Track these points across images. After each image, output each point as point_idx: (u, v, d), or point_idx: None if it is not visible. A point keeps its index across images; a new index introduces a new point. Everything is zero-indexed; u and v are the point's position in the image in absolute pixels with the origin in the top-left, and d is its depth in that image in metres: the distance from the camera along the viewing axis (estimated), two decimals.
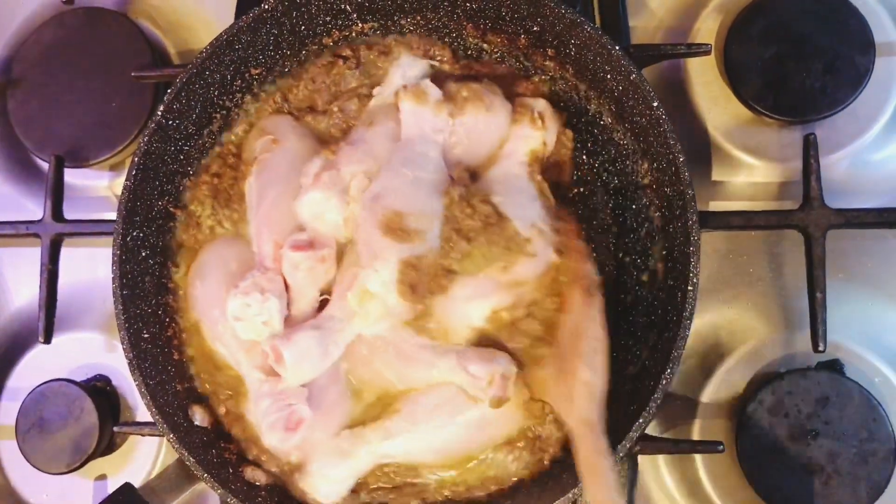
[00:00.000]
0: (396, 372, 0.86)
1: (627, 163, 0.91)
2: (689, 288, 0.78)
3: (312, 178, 0.88)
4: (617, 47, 0.83)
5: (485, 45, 0.95)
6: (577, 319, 0.82)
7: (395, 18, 0.94)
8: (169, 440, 0.86)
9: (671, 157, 0.81)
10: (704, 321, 0.98)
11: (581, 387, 0.78)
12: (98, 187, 1.13)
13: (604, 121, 0.92)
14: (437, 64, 0.95)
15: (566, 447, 0.85)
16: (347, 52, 0.96)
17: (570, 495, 0.80)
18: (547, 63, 0.93)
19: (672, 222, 0.84)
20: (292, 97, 0.98)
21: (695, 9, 1.03)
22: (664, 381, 0.78)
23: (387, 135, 0.89)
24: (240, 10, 1.06)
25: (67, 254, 1.07)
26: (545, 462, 0.87)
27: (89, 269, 1.11)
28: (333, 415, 0.87)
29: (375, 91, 0.93)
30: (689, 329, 0.78)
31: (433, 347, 0.84)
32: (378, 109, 0.91)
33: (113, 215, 1.06)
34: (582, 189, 0.94)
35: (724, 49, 0.97)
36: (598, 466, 0.74)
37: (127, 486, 0.97)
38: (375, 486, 0.88)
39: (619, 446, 0.78)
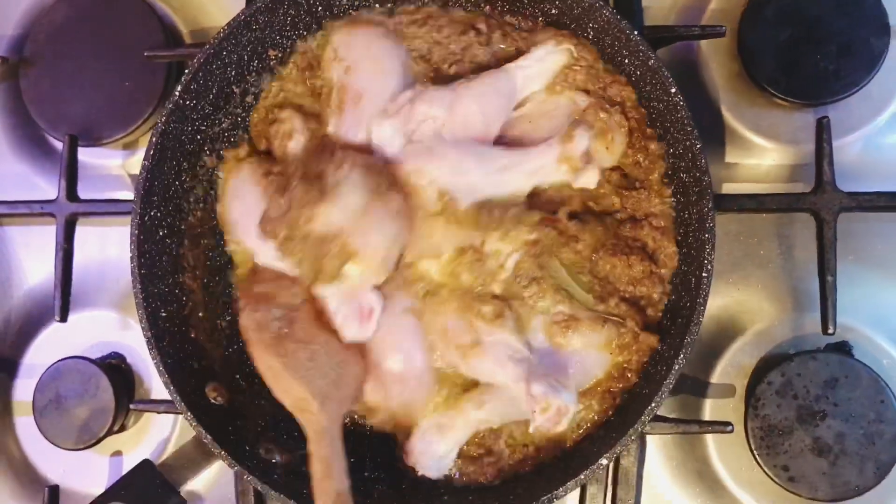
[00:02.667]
0: (467, 364, 0.87)
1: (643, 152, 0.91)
2: (704, 275, 0.79)
3: (395, 108, 0.89)
4: (636, 32, 0.83)
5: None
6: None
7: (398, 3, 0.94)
8: (186, 418, 0.87)
9: (688, 143, 0.82)
10: (715, 302, 0.98)
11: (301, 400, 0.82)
12: (111, 166, 1.13)
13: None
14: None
15: (632, 392, 0.87)
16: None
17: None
18: None
19: (688, 208, 0.85)
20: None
21: None
22: (677, 367, 0.79)
23: (485, 104, 0.89)
24: None
25: (81, 233, 1.08)
26: (610, 413, 0.88)
27: (102, 247, 1.12)
28: (424, 380, 0.89)
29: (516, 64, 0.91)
30: (702, 315, 0.79)
31: (510, 346, 0.86)
32: (493, 79, 0.90)
33: (127, 194, 1.08)
34: None
35: (738, 31, 0.97)
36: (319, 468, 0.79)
37: (146, 463, 0.99)
38: (458, 459, 0.91)
39: (630, 430, 0.79)
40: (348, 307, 0.86)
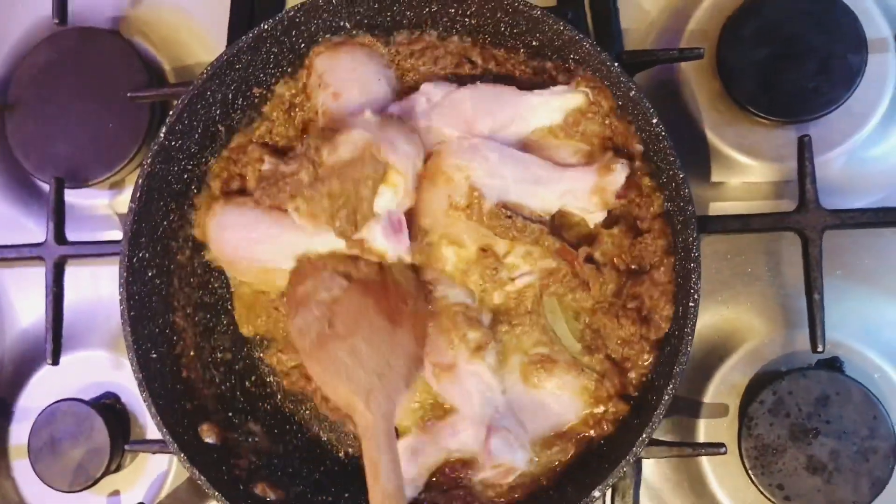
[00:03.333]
0: (440, 384, 0.88)
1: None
2: (691, 304, 0.79)
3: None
4: (616, 64, 0.83)
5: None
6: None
7: (394, 35, 0.95)
8: (179, 459, 0.87)
9: (672, 172, 0.82)
10: (704, 322, 0.99)
11: (347, 398, 0.81)
12: (99, 206, 1.14)
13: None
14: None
15: (622, 422, 0.88)
16: None
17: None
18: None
19: (672, 236, 0.85)
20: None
21: (687, 10, 1.03)
22: (667, 397, 0.79)
23: (479, 106, 0.89)
24: (232, 26, 1.06)
25: (71, 272, 1.08)
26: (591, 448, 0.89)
27: (94, 287, 1.12)
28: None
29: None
30: (690, 344, 0.79)
31: (485, 381, 0.87)
32: (499, 91, 0.90)
33: (115, 234, 1.08)
34: None
35: (716, 51, 0.98)
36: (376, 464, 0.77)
37: None
38: (428, 489, 0.91)
39: (623, 460, 0.80)
40: (382, 223, 0.85)
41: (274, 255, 0.90)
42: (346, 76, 0.92)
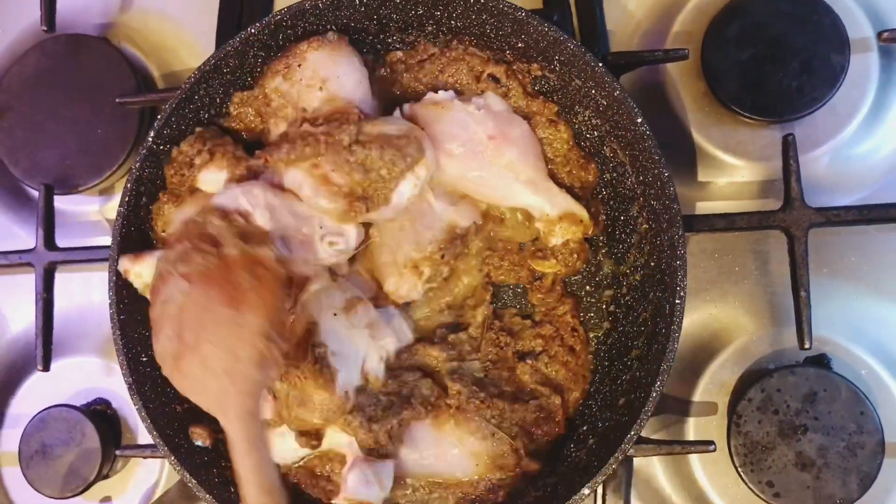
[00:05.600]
0: None
1: (615, 175, 0.92)
2: (677, 301, 0.80)
3: None
4: (600, 64, 0.84)
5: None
6: None
7: (381, 37, 0.95)
8: (170, 462, 0.87)
9: (656, 171, 0.83)
10: (692, 320, 0.99)
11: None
12: (89, 212, 1.14)
13: (590, 134, 0.93)
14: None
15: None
16: None
17: None
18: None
19: (659, 235, 0.86)
20: None
21: (672, 11, 1.04)
22: (654, 394, 0.80)
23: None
24: (220, 32, 1.07)
25: (62, 279, 1.08)
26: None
27: (85, 293, 1.12)
28: None
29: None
30: (677, 341, 0.80)
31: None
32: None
33: (105, 240, 1.08)
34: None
35: (701, 52, 0.98)
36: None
37: None
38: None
39: (612, 457, 0.80)
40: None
41: None
42: (342, 71, 0.91)
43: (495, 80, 0.95)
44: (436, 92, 0.94)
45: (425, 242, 0.93)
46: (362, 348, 0.89)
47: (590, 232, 0.93)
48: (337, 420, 0.88)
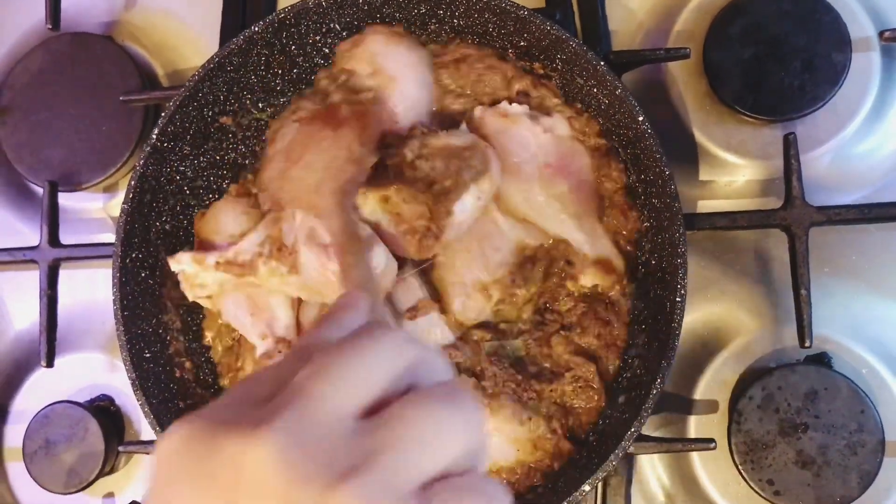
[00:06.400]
0: None
1: (617, 173, 0.92)
2: (678, 299, 0.80)
3: None
4: (602, 63, 0.84)
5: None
6: None
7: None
8: None
9: (658, 169, 0.83)
10: (693, 319, 0.99)
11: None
12: (93, 209, 1.14)
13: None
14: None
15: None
16: None
17: None
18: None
19: (660, 233, 0.86)
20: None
21: (674, 10, 1.05)
22: (655, 392, 0.80)
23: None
24: (224, 30, 1.08)
25: (66, 275, 1.09)
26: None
27: (89, 289, 1.13)
28: None
29: None
30: (678, 339, 0.80)
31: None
32: None
33: (109, 237, 1.09)
34: None
35: (703, 51, 0.99)
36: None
37: None
38: None
39: (611, 455, 0.80)
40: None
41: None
42: (403, 64, 0.91)
43: (525, 94, 0.93)
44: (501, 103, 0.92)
45: (494, 265, 0.90)
46: None
47: (623, 283, 0.91)
48: None
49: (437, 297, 0.91)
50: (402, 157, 0.85)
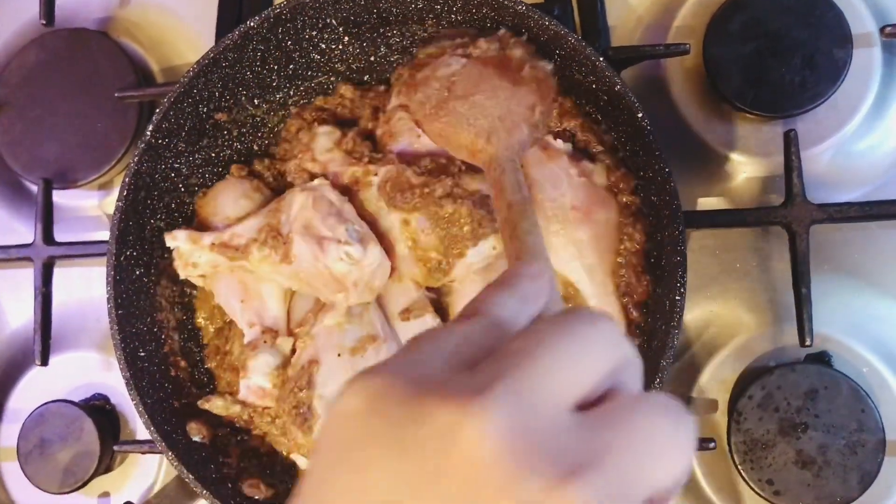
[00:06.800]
0: None
1: (617, 171, 0.91)
2: (678, 298, 0.79)
3: None
4: (601, 59, 0.83)
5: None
6: None
7: (381, 31, 0.95)
8: (168, 458, 0.87)
9: (657, 167, 0.82)
10: (693, 317, 0.99)
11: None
12: (88, 207, 1.14)
13: (592, 128, 0.92)
14: None
15: None
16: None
17: None
18: None
19: (660, 231, 0.85)
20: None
21: (674, 5, 1.04)
22: (654, 391, 0.79)
23: None
24: (220, 26, 1.07)
25: (61, 273, 1.08)
26: None
27: (84, 288, 1.12)
28: None
29: None
30: (677, 338, 0.79)
31: None
32: None
33: (104, 235, 1.08)
34: None
35: (703, 47, 0.98)
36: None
37: None
38: None
39: None
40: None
41: None
42: None
43: (572, 134, 0.92)
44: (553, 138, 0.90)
45: None
46: None
47: None
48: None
49: (444, 318, 0.90)
50: (433, 190, 0.83)
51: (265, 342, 0.89)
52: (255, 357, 0.88)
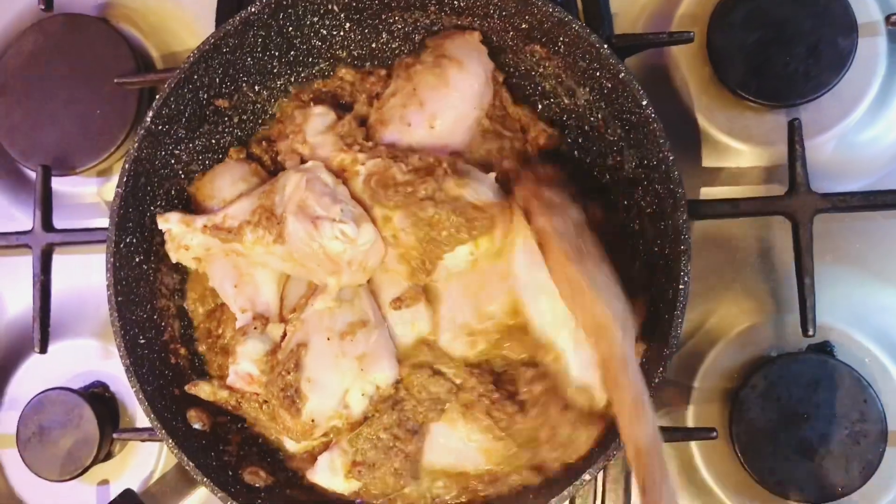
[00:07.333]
0: None
1: (619, 158, 0.91)
2: (681, 286, 0.79)
3: None
4: (605, 46, 0.83)
5: None
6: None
7: (383, 17, 0.94)
8: (168, 445, 0.87)
9: (661, 155, 0.82)
10: (695, 308, 0.98)
11: (605, 322, 0.75)
12: (87, 194, 1.13)
13: (594, 116, 0.92)
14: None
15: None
16: None
17: None
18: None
19: (663, 219, 0.85)
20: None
21: None
22: (656, 379, 0.79)
23: None
24: (220, 12, 1.06)
25: (61, 261, 1.07)
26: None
27: (83, 275, 1.12)
28: None
29: None
30: (680, 328, 0.79)
31: None
32: None
33: (103, 222, 1.07)
34: (574, 186, 0.95)
35: (707, 35, 0.97)
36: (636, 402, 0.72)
37: (128, 492, 0.98)
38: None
39: (612, 444, 0.79)
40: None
41: None
42: (446, 104, 0.89)
43: None
44: None
45: (485, 316, 0.87)
46: (346, 381, 0.85)
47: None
48: (303, 439, 0.86)
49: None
50: (416, 191, 0.83)
51: (255, 328, 0.88)
52: (244, 343, 0.87)
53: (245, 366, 0.87)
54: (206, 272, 0.94)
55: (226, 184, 0.93)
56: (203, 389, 0.90)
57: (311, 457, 0.91)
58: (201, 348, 0.97)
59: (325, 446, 0.89)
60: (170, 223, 0.89)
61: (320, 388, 0.84)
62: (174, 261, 0.92)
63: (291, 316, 0.89)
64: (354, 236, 0.82)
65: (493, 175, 0.87)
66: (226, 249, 0.89)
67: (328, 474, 0.86)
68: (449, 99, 0.89)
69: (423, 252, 0.84)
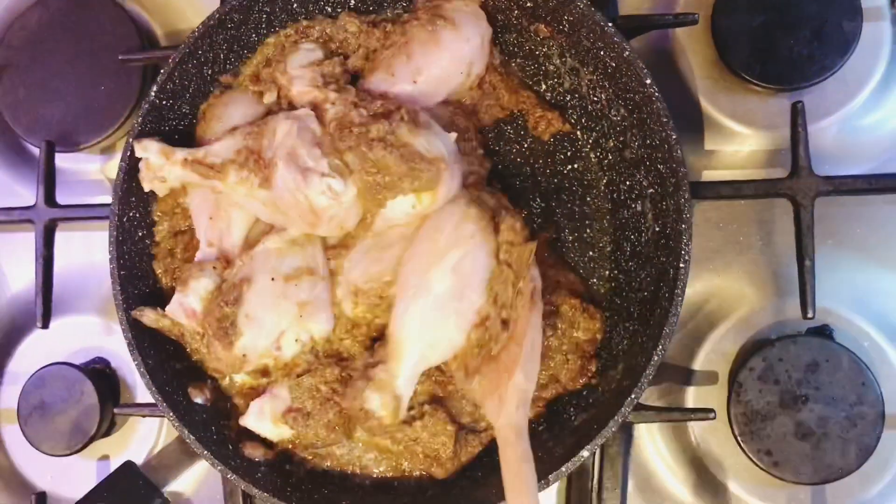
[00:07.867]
0: None
1: (622, 139, 0.91)
2: (681, 265, 0.79)
3: None
4: (610, 24, 0.83)
5: None
6: (520, 326, 0.81)
7: None
8: (169, 419, 0.87)
9: (664, 134, 0.82)
10: (695, 289, 0.99)
11: (514, 392, 0.78)
12: (90, 171, 1.13)
13: (598, 97, 0.92)
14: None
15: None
16: None
17: None
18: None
19: (665, 199, 0.85)
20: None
21: None
22: (655, 358, 0.79)
23: None
24: None
25: (63, 237, 1.08)
26: None
27: (85, 252, 1.12)
28: None
29: None
30: (680, 306, 0.79)
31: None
32: None
33: (106, 198, 1.07)
34: (576, 165, 0.95)
35: (711, 18, 0.97)
36: (521, 472, 0.75)
37: (128, 464, 0.99)
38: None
39: (611, 421, 0.79)
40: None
41: None
42: (433, 61, 0.89)
43: None
44: None
45: (371, 277, 0.88)
46: (283, 323, 0.85)
47: None
48: (232, 372, 0.89)
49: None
50: (368, 131, 0.83)
51: (214, 268, 0.88)
52: (198, 278, 0.87)
53: (191, 300, 0.87)
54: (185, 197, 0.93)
55: (237, 113, 0.91)
56: (147, 316, 0.90)
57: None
58: (157, 267, 0.95)
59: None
60: (148, 152, 0.87)
61: (257, 325, 0.84)
62: (146, 189, 0.90)
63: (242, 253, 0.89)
64: (341, 192, 0.82)
65: (454, 135, 0.86)
66: (204, 185, 0.87)
67: (257, 418, 0.88)
68: (437, 57, 0.89)
69: (366, 197, 0.83)
